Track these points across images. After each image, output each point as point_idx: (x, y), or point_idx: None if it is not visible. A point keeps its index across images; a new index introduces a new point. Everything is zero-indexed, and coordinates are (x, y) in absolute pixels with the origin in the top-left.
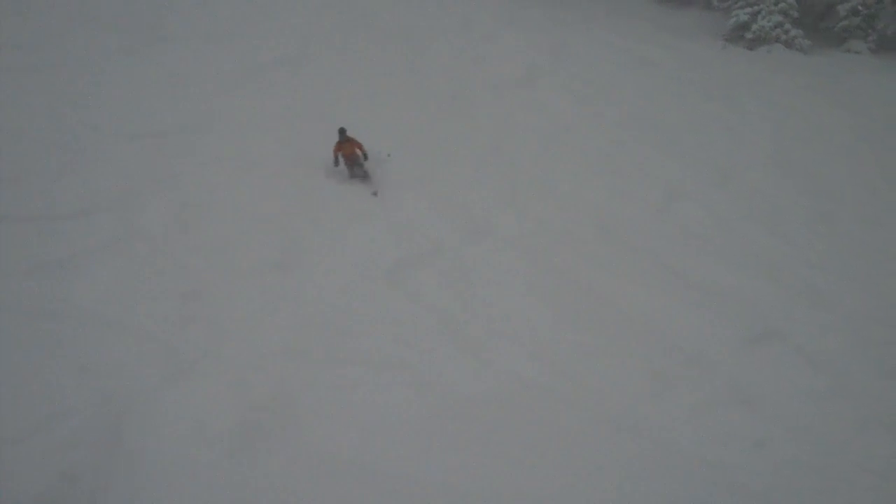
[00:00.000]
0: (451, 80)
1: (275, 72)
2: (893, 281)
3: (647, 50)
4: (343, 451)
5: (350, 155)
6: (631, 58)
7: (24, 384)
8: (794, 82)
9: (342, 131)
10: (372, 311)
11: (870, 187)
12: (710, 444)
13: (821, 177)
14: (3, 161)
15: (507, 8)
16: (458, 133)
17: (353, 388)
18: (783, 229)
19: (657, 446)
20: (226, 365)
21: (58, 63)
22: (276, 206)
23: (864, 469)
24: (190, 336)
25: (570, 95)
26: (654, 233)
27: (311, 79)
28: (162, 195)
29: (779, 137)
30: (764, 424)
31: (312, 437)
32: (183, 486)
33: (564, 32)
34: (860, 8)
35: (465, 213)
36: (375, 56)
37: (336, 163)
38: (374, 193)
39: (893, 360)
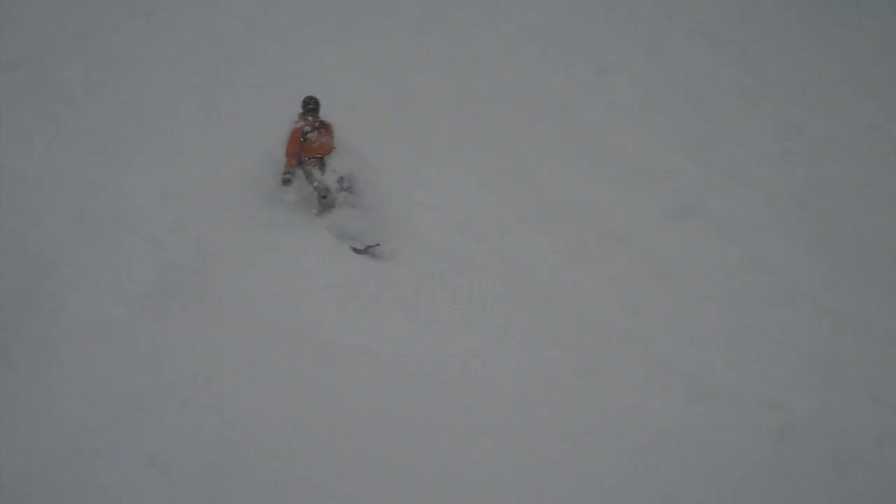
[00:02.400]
0: None
1: None
2: (814, 159)
3: None
4: (262, 313)
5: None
6: None
7: None
8: None
9: (310, 104)
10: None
11: (803, 68)
12: (625, 315)
13: (753, 55)
14: None
15: None
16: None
17: (273, 252)
18: (710, 106)
19: (573, 315)
20: (142, 225)
21: None
22: (201, 68)
23: (774, 342)
24: (105, 196)
25: None
26: (582, 106)
27: None
28: (83, 52)
29: (712, 13)
30: (677, 296)
31: (230, 298)
32: (97, 341)
33: None
34: None
35: (390, 80)
36: None
37: (287, 179)
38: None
39: (808, 236)
